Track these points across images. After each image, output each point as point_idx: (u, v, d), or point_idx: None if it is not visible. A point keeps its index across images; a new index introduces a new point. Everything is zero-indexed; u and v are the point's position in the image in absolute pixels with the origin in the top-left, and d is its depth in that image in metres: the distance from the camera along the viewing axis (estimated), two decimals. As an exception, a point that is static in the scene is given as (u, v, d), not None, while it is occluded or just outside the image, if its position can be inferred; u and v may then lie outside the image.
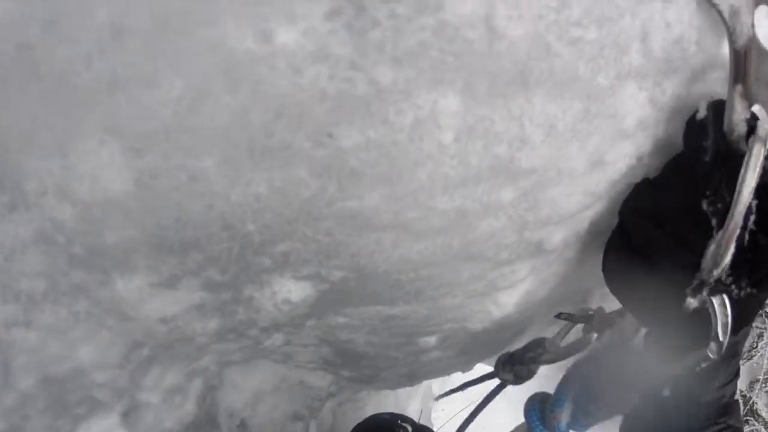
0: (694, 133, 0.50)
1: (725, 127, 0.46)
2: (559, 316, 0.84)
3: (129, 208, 0.39)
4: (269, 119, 0.35)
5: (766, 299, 0.57)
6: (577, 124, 0.43)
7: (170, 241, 0.43)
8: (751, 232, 0.45)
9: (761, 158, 0.43)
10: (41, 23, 0.30)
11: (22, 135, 0.33)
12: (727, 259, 0.45)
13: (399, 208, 0.43)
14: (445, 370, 1.23)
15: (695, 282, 0.49)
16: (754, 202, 0.45)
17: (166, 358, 0.69)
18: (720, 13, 0.40)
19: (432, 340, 0.74)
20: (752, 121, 0.45)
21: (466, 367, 1.21)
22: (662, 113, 0.49)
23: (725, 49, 0.44)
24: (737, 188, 0.43)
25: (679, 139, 0.52)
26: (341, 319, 0.61)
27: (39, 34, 0.30)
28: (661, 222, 0.52)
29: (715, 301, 0.51)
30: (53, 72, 0.31)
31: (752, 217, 0.45)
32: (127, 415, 0.73)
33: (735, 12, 0.40)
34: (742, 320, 0.53)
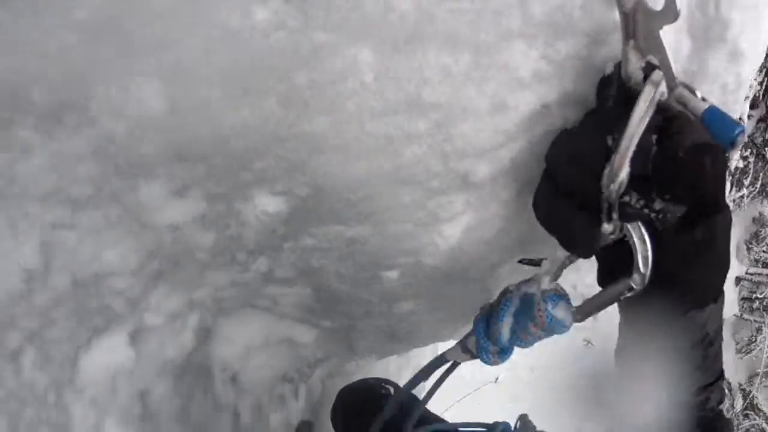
0: (603, 86, 0.73)
1: (623, 76, 0.69)
2: (521, 261, 1.09)
3: (162, 125, 0.67)
4: (251, 66, 0.63)
5: (697, 241, 0.77)
6: (471, 71, 0.68)
7: (186, 153, 0.71)
8: (654, 159, 0.63)
9: (653, 94, 0.61)
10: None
11: (96, 70, 0.62)
12: (622, 175, 0.61)
13: (339, 131, 0.69)
14: (426, 336, 1.47)
15: (605, 205, 0.73)
16: (654, 137, 0.62)
17: (171, 279, 0.98)
18: None
19: (394, 275, 0.99)
20: (647, 69, 0.69)
21: (445, 332, 1.44)
22: (563, 70, 0.72)
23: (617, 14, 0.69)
24: (631, 116, 0.60)
25: (592, 95, 0.77)
26: (310, 241, 0.87)
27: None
28: (578, 162, 0.76)
29: (633, 232, 0.75)
30: (126, 31, 0.60)
31: (654, 149, 0.63)
32: (134, 336, 1.02)
33: None
34: (673, 260, 0.71)
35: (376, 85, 0.64)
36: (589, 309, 0.85)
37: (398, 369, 2.03)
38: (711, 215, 0.70)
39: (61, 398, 0.95)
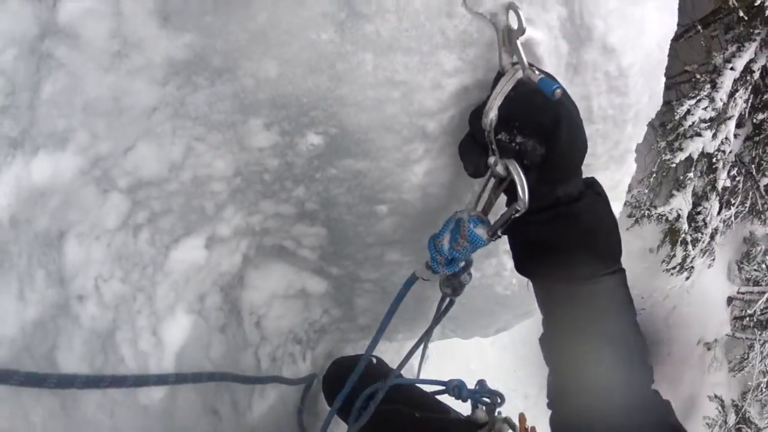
0: (496, 76, 1.48)
1: (500, 69, 1.42)
2: None
3: (272, 84, 1.38)
4: (318, 57, 1.38)
5: (558, 169, 1.13)
6: (419, 65, 1.42)
7: (278, 101, 1.41)
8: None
9: (513, 74, 1.25)
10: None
11: (248, 52, 1.35)
12: (491, 115, 1.11)
13: (355, 94, 1.41)
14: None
15: (489, 143, 1.42)
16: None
17: (240, 199, 1.59)
18: (484, 16, 1.42)
19: (384, 209, 1.62)
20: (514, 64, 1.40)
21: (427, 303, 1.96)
22: (474, 65, 1.46)
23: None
24: (498, 84, 1.25)
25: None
26: (333, 171, 1.53)
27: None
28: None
29: (512, 168, 1.42)
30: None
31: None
32: (209, 241, 1.60)
33: (494, 13, 1.40)
34: (544, 192, 1.12)
35: (373, 71, 1.37)
36: (495, 227, 1.29)
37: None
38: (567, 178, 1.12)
39: (155, 274, 1.49)
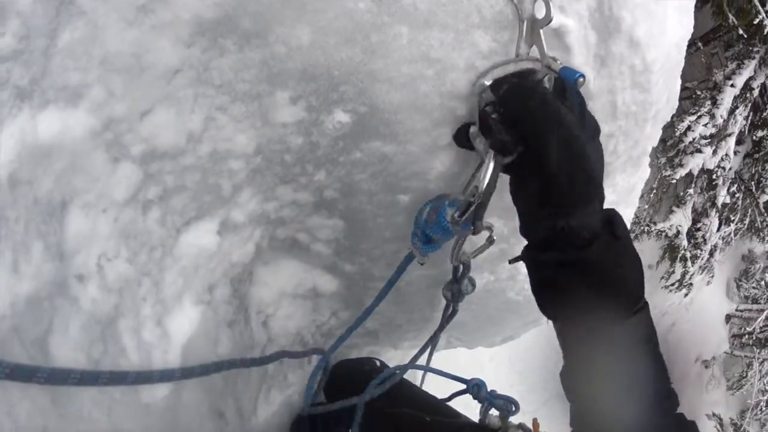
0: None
1: (515, 56, 1.37)
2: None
3: (304, 52, 1.24)
4: (354, 28, 1.27)
5: (552, 193, 0.99)
6: (454, 43, 1.34)
7: (307, 73, 1.27)
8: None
9: (529, 60, 1.30)
10: None
11: (281, 19, 1.23)
12: (482, 81, 1.16)
13: (388, 70, 1.30)
14: (421, 300, 1.82)
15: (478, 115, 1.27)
16: None
17: (258, 182, 1.44)
18: (515, 4, 1.36)
19: (406, 198, 1.48)
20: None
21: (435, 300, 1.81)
22: (507, 49, 1.38)
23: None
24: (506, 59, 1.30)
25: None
26: (358, 154, 1.40)
27: None
28: None
29: (483, 144, 1.24)
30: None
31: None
32: (222, 226, 1.43)
33: (521, 1, 1.36)
34: (542, 216, 1.00)
35: (408, 45, 1.28)
36: (459, 210, 1.22)
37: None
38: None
39: (163, 258, 1.31)
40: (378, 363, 1.86)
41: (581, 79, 1.12)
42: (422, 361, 1.87)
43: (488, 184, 1.08)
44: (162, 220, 1.30)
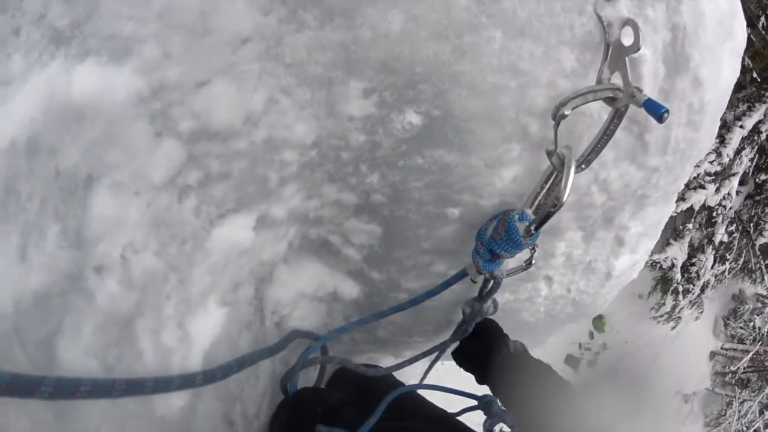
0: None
1: (596, 82, 1.20)
2: None
3: (390, 41, 1.00)
4: (446, 24, 1.04)
5: None
6: (542, 57, 1.15)
7: (388, 65, 1.03)
8: None
9: (609, 87, 1.15)
10: None
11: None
12: (563, 111, 1.03)
13: (473, 75, 1.09)
14: (441, 319, 1.65)
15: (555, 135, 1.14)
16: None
17: (305, 178, 1.19)
18: (602, 23, 1.18)
19: (456, 212, 1.29)
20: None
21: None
22: (586, 72, 1.19)
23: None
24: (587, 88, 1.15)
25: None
26: (419, 160, 1.18)
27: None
28: None
29: (566, 159, 1.09)
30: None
31: None
32: (259, 221, 1.18)
33: (609, 23, 1.18)
34: None
35: (498, 52, 1.08)
36: (534, 222, 1.14)
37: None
38: None
39: (194, 252, 1.05)
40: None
41: (666, 115, 1.00)
42: (422, 370, 1.72)
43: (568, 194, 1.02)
44: (197, 209, 1.03)
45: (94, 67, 0.80)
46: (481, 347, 1.44)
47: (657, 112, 1.01)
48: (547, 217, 1.09)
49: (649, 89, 1.23)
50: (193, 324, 1.05)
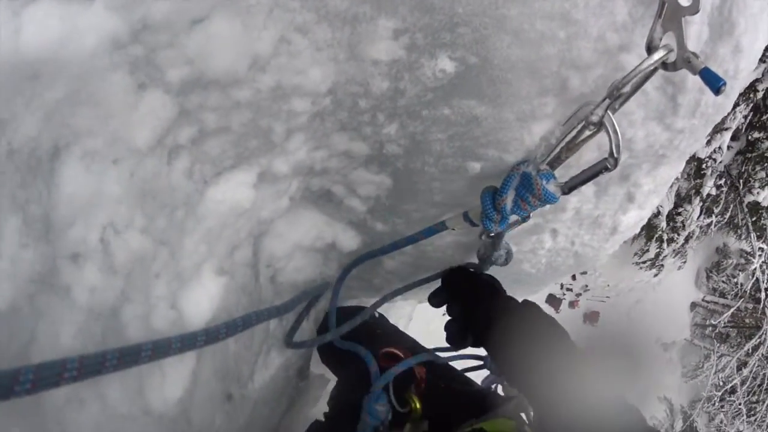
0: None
1: (647, 42, 1.06)
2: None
3: None
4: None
5: None
6: (595, 8, 0.96)
7: (427, 2, 0.84)
8: None
9: (663, 54, 1.02)
10: None
11: None
12: (625, 89, 0.95)
13: (521, 21, 0.90)
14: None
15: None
16: None
17: (314, 128, 1.01)
18: None
19: (477, 167, 1.17)
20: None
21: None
22: (635, 26, 1.03)
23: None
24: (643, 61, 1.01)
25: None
26: (446, 111, 1.02)
27: None
28: None
29: (609, 125, 1.04)
30: None
31: None
32: (260, 177, 1.01)
33: None
34: None
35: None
36: (573, 184, 1.07)
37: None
38: None
39: (185, 219, 0.90)
40: (377, 315, 1.64)
41: (723, 88, 0.90)
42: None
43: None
44: (190, 171, 0.85)
45: (52, 7, 0.57)
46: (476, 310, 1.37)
47: (714, 83, 0.90)
48: (594, 177, 1.02)
49: (695, 51, 1.10)
50: (186, 301, 0.92)
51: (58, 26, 0.58)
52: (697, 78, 1.07)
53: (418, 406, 1.21)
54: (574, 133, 1.10)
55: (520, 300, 1.24)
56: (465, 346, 1.28)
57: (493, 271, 1.60)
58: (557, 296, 8.00)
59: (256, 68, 0.80)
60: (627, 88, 0.92)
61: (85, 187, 0.70)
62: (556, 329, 1.11)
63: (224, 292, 0.99)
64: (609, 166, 0.99)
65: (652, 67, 0.94)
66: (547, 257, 1.58)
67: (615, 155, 0.97)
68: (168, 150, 0.79)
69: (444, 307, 1.36)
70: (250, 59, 0.78)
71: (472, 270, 1.43)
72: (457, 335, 1.25)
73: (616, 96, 0.94)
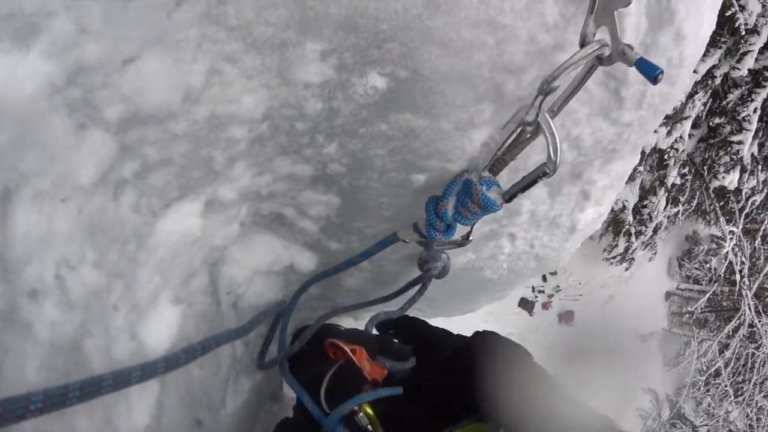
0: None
1: (580, 38, 1.17)
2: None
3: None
4: None
5: None
6: (522, 11, 1.09)
7: (349, 22, 0.91)
8: None
9: (596, 48, 1.09)
10: None
11: None
12: (554, 84, 0.99)
13: (447, 30, 1.01)
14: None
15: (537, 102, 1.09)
16: None
17: (255, 153, 1.09)
18: None
19: (421, 179, 1.26)
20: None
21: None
22: (568, 26, 1.11)
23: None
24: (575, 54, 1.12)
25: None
26: (383, 126, 1.11)
27: None
28: None
29: (545, 127, 1.07)
30: None
31: None
32: (207, 206, 1.08)
33: None
34: None
35: (477, 5, 0.99)
36: (513, 191, 1.14)
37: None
38: None
39: (137, 252, 0.96)
40: (343, 329, 1.70)
41: (661, 76, 0.96)
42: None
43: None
44: (137, 204, 0.92)
45: (-9, 56, 0.65)
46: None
47: (651, 73, 0.96)
48: (533, 184, 1.08)
49: (629, 43, 1.21)
50: (146, 331, 0.98)
51: (1, 75, 0.66)
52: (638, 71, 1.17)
53: (371, 411, 1.16)
54: (513, 136, 1.20)
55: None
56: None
57: (456, 279, 1.69)
58: (529, 299, 8.10)
59: (190, 100, 0.88)
60: (557, 82, 0.98)
61: (37, 226, 0.76)
62: (511, 354, 1.15)
63: (182, 319, 1.05)
64: (548, 171, 1.04)
65: (584, 61, 1.03)
66: (508, 262, 1.67)
67: (553, 158, 1.02)
68: (113, 186, 0.86)
69: None
70: (183, 92, 0.86)
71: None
72: None
73: (547, 90, 1.03)
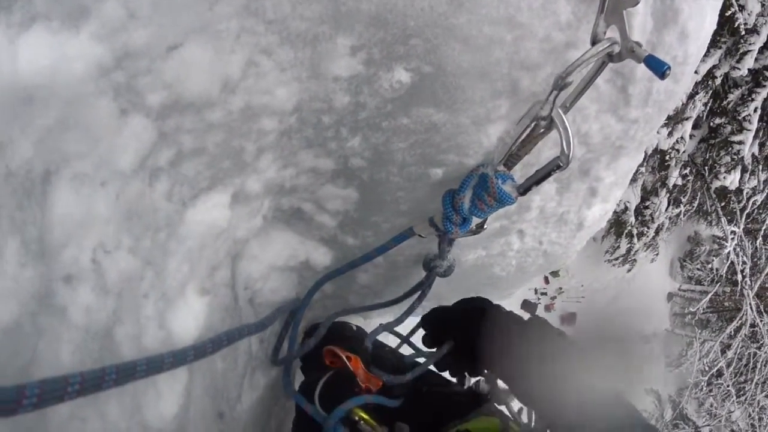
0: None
1: (591, 37, 1.22)
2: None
3: None
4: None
5: None
6: (539, 10, 1.13)
7: (379, 18, 0.94)
8: None
9: (606, 46, 1.14)
10: None
11: None
12: (568, 79, 1.03)
13: (470, 27, 1.04)
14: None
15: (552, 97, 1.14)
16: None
17: (282, 146, 1.11)
18: None
19: (439, 172, 1.29)
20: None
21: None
22: (580, 24, 1.17)
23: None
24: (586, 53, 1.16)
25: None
26: (405, 120, 1.14)
27: None
28: None
29: (559, 121, 1.11)
30: None
31: None
32: (234, 197, 1.09)
33: None
34: None
35: (497, 4, 1.03)
36: (527, 185, 1.18)
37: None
38: None
39: (168, 240, 0.97)
40: (355, 328, 1.71)
41: (668, 72, 1.00)
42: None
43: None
44: (170, 193, 0.93)
45: (44, 36, 0.66)
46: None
47: (659, 69, 1.00)
48: (548, 176, 1.11)
49: (638, 41, 1.26)
50: (174, 321, 0.98)
51: (49, 54, 0.66)
52: (645, 68, 1.23)
53: (365, 416, 1.16)
54: (528, 131, 1.24)
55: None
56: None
57: (466, 276, 1.71)
58: (532, 301, 8.15)
59: (228, 90, 0.90)
60: (571, 78, 1.01)
61: (76, 209, 0.77)
62: (546, 332, 1.13)
63: (208, 310, 1.06)
64: (561, 164, 1.08)
65: (596, 58, 1.08)
66: (517, 258, 1.70)
67: (566, 152, 1.05)
68: (149, 172, 0.87)
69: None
70: (222, 82, 0.88)
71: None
72: (454, 368, 1.27)
73: (561, 86, 1.07)
